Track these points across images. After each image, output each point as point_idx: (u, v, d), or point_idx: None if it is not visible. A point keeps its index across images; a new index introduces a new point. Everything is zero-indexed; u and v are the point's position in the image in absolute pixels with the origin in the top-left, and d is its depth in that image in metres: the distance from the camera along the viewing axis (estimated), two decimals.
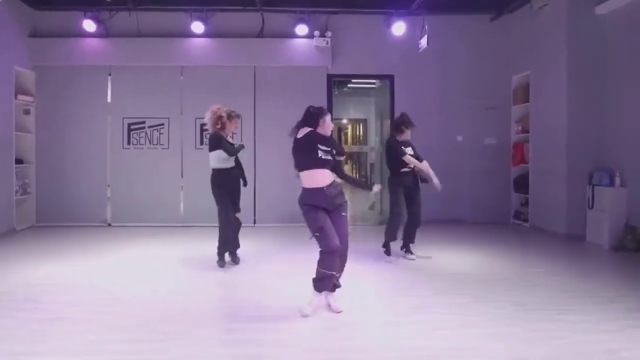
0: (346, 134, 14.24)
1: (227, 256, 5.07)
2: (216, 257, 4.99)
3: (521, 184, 7.69)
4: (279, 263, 5.29)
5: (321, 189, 3.56)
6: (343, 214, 3.69)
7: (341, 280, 3.77)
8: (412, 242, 5.45)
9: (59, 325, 3.37)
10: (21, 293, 4.11)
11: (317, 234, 3.55)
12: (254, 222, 7.60)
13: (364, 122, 12.75)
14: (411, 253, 5.41)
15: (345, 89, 10.35)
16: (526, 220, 7.50)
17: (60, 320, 3.46)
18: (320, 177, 3.58)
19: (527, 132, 7.53)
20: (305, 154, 3.58)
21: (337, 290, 3.75)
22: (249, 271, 4.91)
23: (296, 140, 3.62)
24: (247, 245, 5.43)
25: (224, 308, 4.00)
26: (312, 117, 3.60)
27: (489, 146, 7.94)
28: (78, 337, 3.16)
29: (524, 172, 7.64)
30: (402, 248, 5.46)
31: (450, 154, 7.85)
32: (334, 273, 3.60)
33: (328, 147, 3.58)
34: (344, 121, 12.38)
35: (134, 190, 7.56)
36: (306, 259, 4.92)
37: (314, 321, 3.48)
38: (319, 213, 3.57)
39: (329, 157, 3.59)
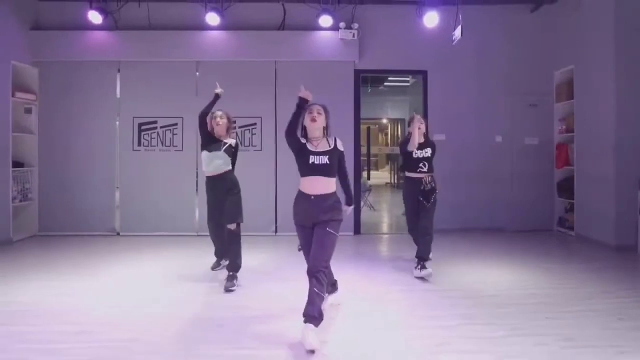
0: (385, 134, 13.77)
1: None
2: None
3: (565, 188, 7.09)
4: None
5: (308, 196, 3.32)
6: (327, 229, 3.27)
7: (351, 303, 3.52)
8: (421, 256, 4.71)
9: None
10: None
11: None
12: (275, 231, 6.99)
13: (402, 121, 12.05)
14: (419, 268, 4.65)
15: (381, 88, 9.79)
16: (571, 228, 6.89)
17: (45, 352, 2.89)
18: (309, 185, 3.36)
19: (572, 131, 6.94)
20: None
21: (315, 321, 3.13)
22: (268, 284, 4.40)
23: None
24: (266, 254, 4.91)
25: (234, 326, 3.45)
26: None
27: (530, 147, 7.34)
28: None
29: (569, 175, 7.04)
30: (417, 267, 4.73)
31: (488, 155, 7.29)
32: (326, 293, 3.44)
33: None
34: (384, 121, 11.86)
35: (145, 196, 6.97)
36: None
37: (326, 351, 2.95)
38: (303, 231, 3.41)
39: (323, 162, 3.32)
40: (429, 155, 4.87)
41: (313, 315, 3.07)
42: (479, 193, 7.24)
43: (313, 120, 3.32)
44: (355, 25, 7.04)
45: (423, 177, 4.82)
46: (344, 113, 7.06)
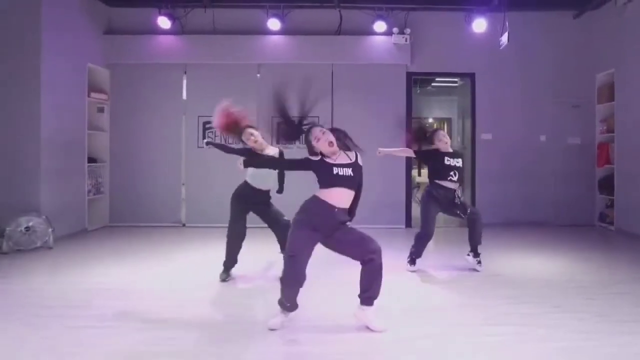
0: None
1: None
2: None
3: (606, 185, 7.43)
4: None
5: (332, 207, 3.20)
6: (348, 226, 3.28)
7: (410, 287, 3.58)
8: (479, 243, 4.81)
9: (110, 335, 3.15)
10: (78, 298, 3.90)
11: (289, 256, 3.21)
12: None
13: (448, 120, 12.51)
14: (478, 262, 4.80)
15: (429, 88, 10.17)
16: (612, 223, 7.24)
17: (115, 330, 3.25)
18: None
19: (612, 131, 7.29)
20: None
21: (377, 303, 3.30)
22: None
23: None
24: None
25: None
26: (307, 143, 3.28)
27: (572, 146, 7.70)
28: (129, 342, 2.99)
29: (609, 173, 7.39)
30: (470, 254, 4.86)
31: (533, 154, 7.65)
32: (288, 304, 3.23)
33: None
34: (430, 120, 12.22)
35: (209, 190, 7.38)
36: (397, 258, 4.88)
37: (378, 334, 3.18)
38: (308, 235, 3.21)
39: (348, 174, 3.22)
40: (461, 165, 4.73)
41: (375, 296, 3.23)
42: (524, 190, 7.60)
43: (331, 144, 3.21)
44: (408, 31, 7.42)
45: (455, 189, 4.69)
46: (397, 113, 7.42)
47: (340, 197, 3.19)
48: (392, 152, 4.90)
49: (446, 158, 4.67)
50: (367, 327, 3.20)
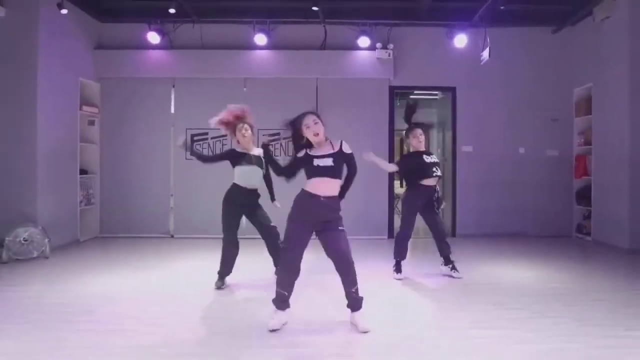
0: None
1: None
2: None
3: (584, 196, 7.64)
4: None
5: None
6: (339, 228, 3.48)
7: (396, 294, 3.78)
8: (445, 254, 5.05)
9: (114, 337, 3.38)
10: (80, 305, 4.12)
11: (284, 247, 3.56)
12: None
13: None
14: (452, 268, 5.04)
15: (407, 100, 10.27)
16: (589, 234, 7.45)
17: (118, 333, 3.47)
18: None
19: (590, 144, 7.50)
20: None
21: (364, 307, 3.61)
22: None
23: None
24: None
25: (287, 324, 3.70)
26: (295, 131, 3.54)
27: (551, 158, 7.90)
28: (134, 350, 3.17)
29: (587, 184, 7.59)
30: (445, 264, 5.10)
31: (513, 166, 7.85)
32: (285, 293, 3.52)
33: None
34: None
35: (197, 201, 7.57)
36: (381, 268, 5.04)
37: (371, 335, 3.43)
38: (301, 230, 3.49)
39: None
40: (438, 160, 5.00)
41: (360, 300, 3.54)
42: (504, 200, 7.81)
43: (316, 135, 3.45)
44: (391, 46, 7.61)
45: (435, 185, 4.93)
46: (380, 126, 7.66)
47: (323, 187, 3.39)
48: (378, 162, 4.88)
49: (424, 156, 4.89)
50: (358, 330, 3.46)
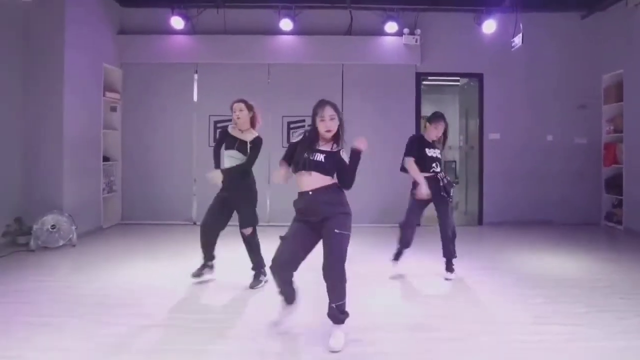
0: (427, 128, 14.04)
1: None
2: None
3: (613, 185, 7.53)
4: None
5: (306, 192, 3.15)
6: (335, 230, 3.05)
7: (447, 289, 3.64)
8: (447, 256, 4.69)
9: (168, 332, 3.26)
10: (121, 297, 4.01)
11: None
12: None
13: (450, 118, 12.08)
14: (450, 271, 4.67)
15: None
16: (619, 222, 7.33)
17: (162, 327, 3.35)
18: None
19: (620, 131, 7.38)
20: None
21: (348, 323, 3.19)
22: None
23: None
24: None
25: (312, 317, 3.50)
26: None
27: (579, 146, 7.78)
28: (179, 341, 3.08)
29: (616, 172, 7.48)
30: (446, 269, 4.73)
31: (540, 153, 7.73)
32: (280, 290, 3.22)
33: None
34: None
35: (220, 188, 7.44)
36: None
37: (432, 332, 3.27)
38: (299, 226, 3.20)
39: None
40: (440, 156, 4.68)
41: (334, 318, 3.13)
42: (530, 188, 7.69)
43: (328, 131, 3.17)
44: (418, 31, 7.50)
45: (437, 175, 4.61)
46: (406, 112, 7.54)
47: (308, 181, 3.11)
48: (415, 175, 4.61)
49: (427, 150, 4.61)
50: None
